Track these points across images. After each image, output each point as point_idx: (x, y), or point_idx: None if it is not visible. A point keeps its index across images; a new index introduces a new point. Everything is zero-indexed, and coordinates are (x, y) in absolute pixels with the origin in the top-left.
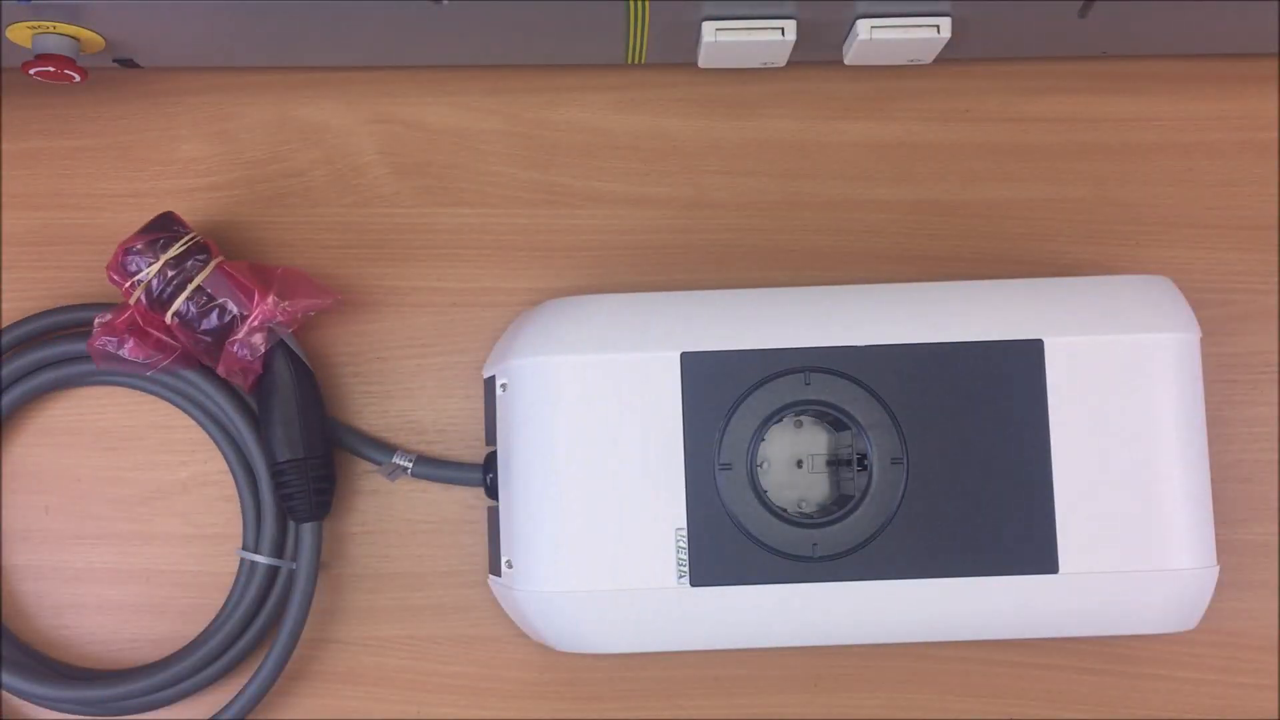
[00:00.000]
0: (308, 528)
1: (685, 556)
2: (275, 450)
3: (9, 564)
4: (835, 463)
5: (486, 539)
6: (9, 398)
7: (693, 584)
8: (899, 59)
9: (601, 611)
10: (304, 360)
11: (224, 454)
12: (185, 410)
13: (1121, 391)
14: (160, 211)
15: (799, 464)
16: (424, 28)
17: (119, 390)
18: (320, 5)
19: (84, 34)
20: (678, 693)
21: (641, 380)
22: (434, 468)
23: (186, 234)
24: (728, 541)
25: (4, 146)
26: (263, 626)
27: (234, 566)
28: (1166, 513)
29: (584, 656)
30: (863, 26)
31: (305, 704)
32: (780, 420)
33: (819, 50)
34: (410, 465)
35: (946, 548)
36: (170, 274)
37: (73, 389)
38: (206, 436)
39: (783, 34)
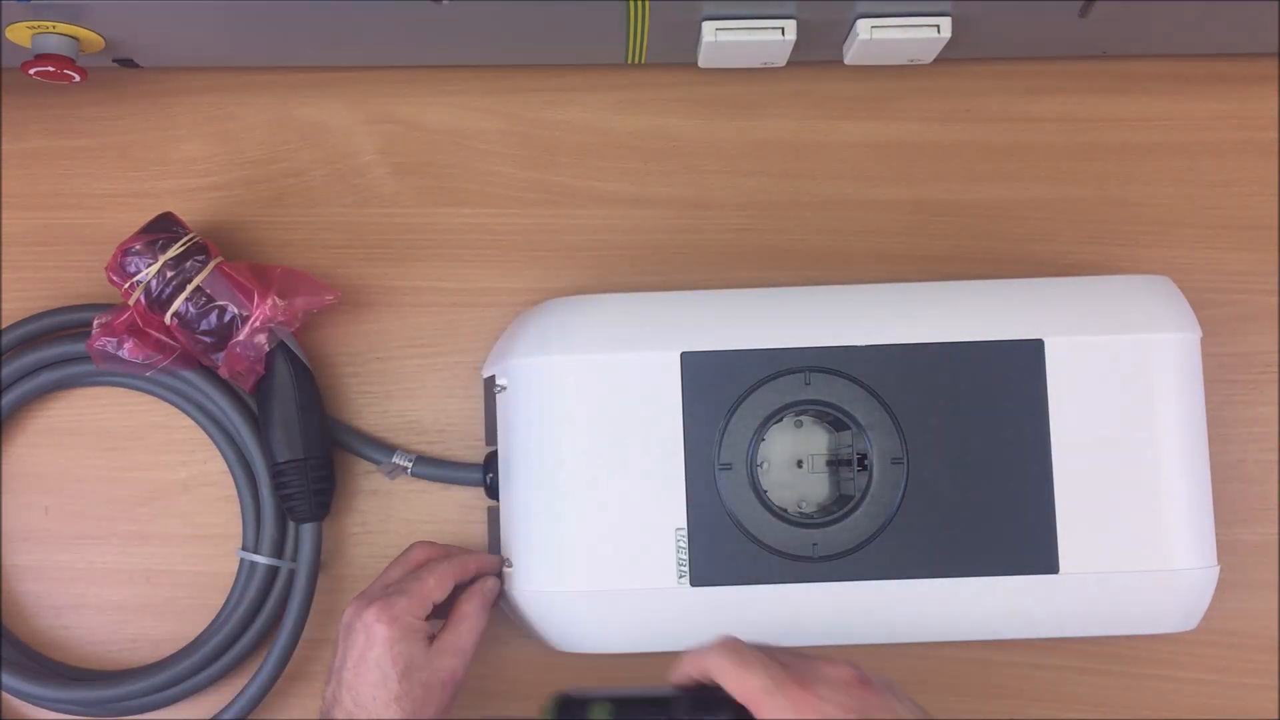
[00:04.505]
0: (308, 528)
1: (685, 556)
2: (275, 450)
3: (9, 564)
4: (835, 463)
5: (486, 539)
6: (9, 398)
7: (693, 584)
8: (899, 59)
9: (601, 611)
10: (304, 361)
11: (224, 454)
12: (185, 410)
13: (1121, 391)
14: (160, 212)
15: (799, 464)
16: (424, 28)
17: (119, 390)
18: (320, 5)
19: (84, 34)
20: None
21: (641, 380)
22: (434, 468)
23: (185, 234)
24: (728, 541)
25: (4, 146)
26: (263, 626)
27: (234, 566)
28: (1166, 513)
29: (584, 656)
30: (863, 26)
31: (305, 704)
32: (780, 420)
33: (819, 50)
34: (410, 465)
35: (946, 548)
36: (169, 275)
37: (73, 389)
38: (206, 436)
39: (783, 34)
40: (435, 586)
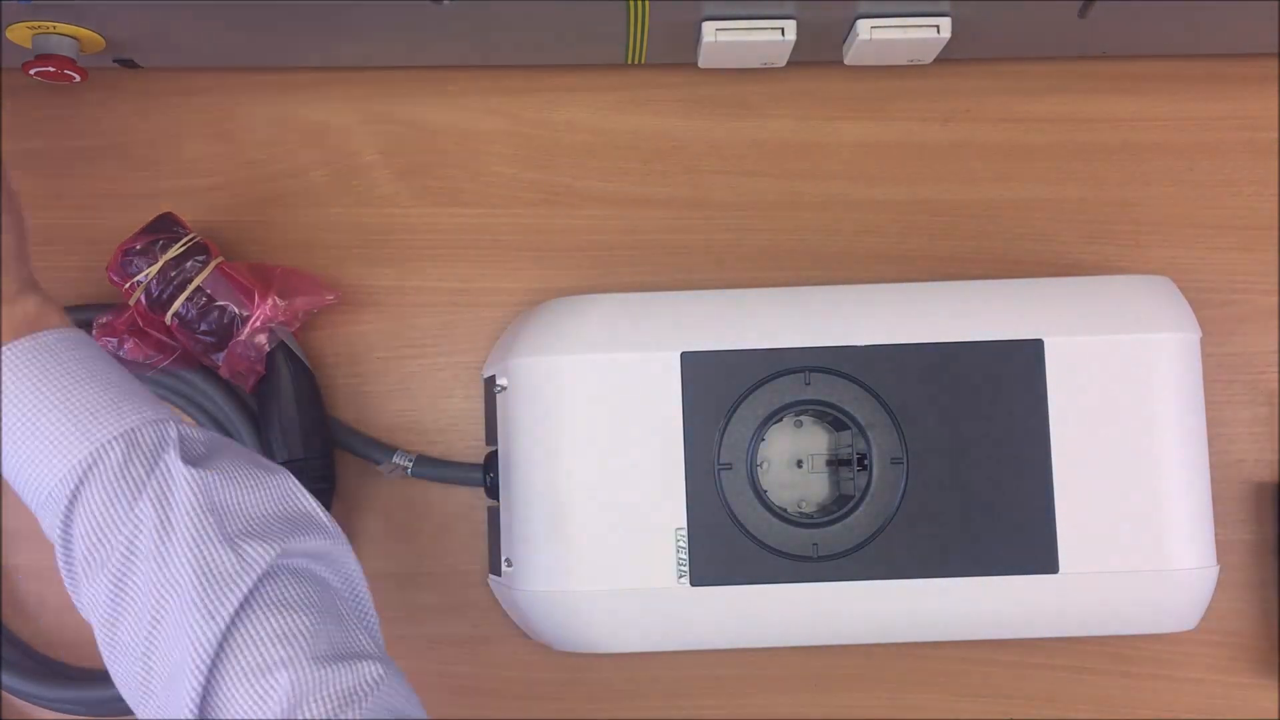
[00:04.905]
0: None
1: (685, 556)
2: (275, 450)
3: (9, 564)
4: (835, 463)
5: (486, 539)
6: None
7: (693, 584)
8: (899, 59)
9: (601, 611)
10: (304, 361)
11: None
12: (185, 410)
13: (1121, 391)
14: (160, 212)
15: (799, 464)
16: (424, 28)
17: None
18: (320, 5)
19: (84, 34)
20: (678, 693)
21: (641, 380)
22: (434, 468)
23: (186, 235)
24: (728, 541)
25: (4, 146)
26: None
27: None
28: (1166, 513)
29: (584, 656)
30: (863, 26)
31: None
32: (780, 420)
33: (819, 50)
34: (410, 465)
35: (946, 548)
36: (170, 275)
37: None
38: None
39: (783, 34)
40: None
